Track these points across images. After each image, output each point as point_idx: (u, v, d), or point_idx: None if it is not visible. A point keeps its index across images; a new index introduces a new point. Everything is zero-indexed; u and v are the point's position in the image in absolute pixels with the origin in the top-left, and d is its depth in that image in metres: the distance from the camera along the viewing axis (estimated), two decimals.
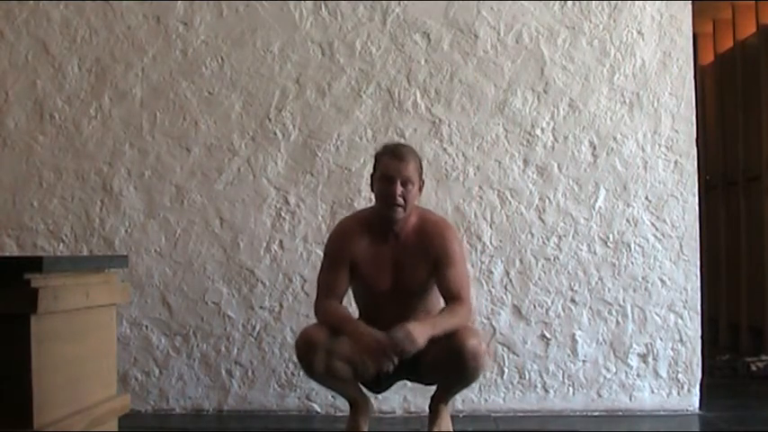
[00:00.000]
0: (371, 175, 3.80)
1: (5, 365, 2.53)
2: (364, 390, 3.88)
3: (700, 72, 6.42)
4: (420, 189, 3.77)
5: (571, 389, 4.58)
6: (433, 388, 3.84)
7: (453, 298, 3.67)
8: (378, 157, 3.78)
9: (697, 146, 4.68)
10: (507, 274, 4.60)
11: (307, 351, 3.65)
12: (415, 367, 3.77)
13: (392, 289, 3.76)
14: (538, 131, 4.63)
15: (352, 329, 3.62)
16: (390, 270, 3.76)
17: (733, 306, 6.72)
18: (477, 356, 3.60)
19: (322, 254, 3.91)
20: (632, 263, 4.60)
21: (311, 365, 3.66)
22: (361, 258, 3.75)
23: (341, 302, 3.79)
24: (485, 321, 4.58)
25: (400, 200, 3.66)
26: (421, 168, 3.75)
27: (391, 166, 3.68)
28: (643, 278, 4.60)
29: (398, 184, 3.66)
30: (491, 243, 4.61)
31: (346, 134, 4.66)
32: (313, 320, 3.81)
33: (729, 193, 6.87)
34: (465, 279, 3.78)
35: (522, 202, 4.62)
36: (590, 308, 4.59)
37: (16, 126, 4.73)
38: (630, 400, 4.58)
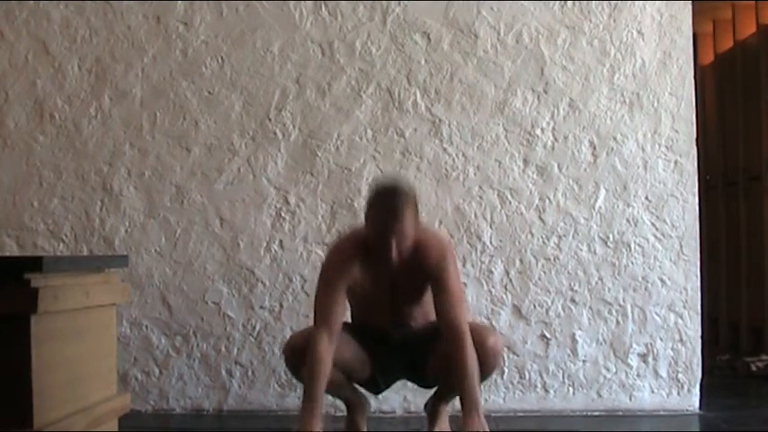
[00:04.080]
0: (365, 215, 3.60)
1: (5, 365, 2.54)
2: (363, 390, 3.89)
3: (700, 72, 6.41)
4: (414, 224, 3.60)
5: (571, 389, 4.58)
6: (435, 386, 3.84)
7: (451, 327, 3.54)
8: (370, 207, 3.56)
9: (697, 146, 4.68)
10: (507, 274, 4.60)
11: (293, 361, 3.65)
12: (416, 368, 3.76)
13: (390, 309, 3.73)
14: (538, 131, 4.63)
15: (305, 403, 3.50)
16: (388, 290, 3.69)
17: (733, 306, 6.72)
18: (498, 354, 3.63)
19: (319, 271, 3.75)
20: (632, 263, 4.60)
21: (298, 373, 3.65)
22: (359, 281, 3.65)
23: (335, 331, 3.58)
24: (485, 321, 4.58)
25: (396, 248, 3.52)
26: (416, 208, 3.57)
27: (387, 226, 3.49)
28: (643, 278, 4.60)
29: (394, 238, 3.49)
30: (491, 243, 4.61)
31: (346, 134, 4.66)
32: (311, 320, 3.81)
33: (729, 193, 6.86)
34: (462, 304, 3.62)
35: (522, 202, 4.62)
36: (590, 308, 4.59)
37: (16, 126, 4.73)
38: (630, 400, 4.58)
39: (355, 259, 3.62)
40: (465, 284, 4.54)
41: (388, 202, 3.52)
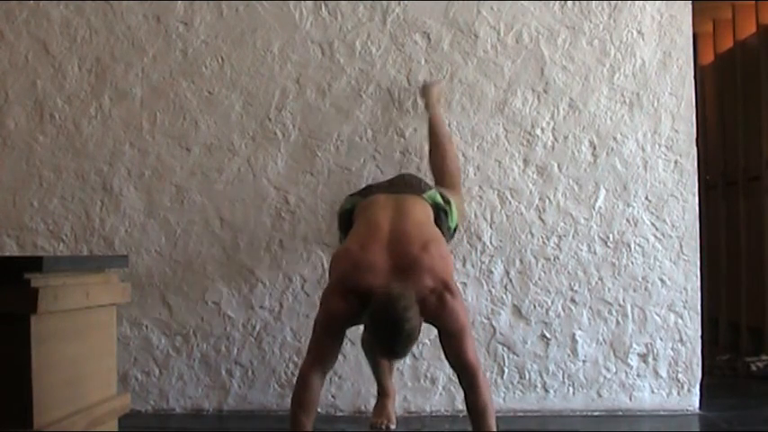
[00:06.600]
0: (367, 327, 3.49)
1: (5, 365, 2.54)
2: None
3: (700, 72, 6.41)
4: None
5: (571, 389, 4.58)
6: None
7: (459, 367, 3.54)
8: (373, 337, 3.47)
9: (697, 146, 4.68)
10: (507, 274, 4.60)
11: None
12: None
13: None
14: (538, 131, 4.63)
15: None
16: None
17: (733, 306, 6.72)
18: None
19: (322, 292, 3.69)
20: (632, 263, 4.60)
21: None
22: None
23: (327, 371, 3.62)
24: (485, 321, 4.58)
25: None
26: (418, 328, 3.44)
27: (389, 356, 3.65)
28: (643, 278, 4.60)
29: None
30: (491, 243, 4.61)
31: (346, 134, 4.66)
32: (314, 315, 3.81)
33: (729, 193, 6.86)
34: (467, 339, 3.54)
35: (522, 202, 4.62)
36: (590, 308, 4.59)
37: (16, 126, 4.73)
38: (630, 400, 4.58)
39: (354, 299, 3.51)
40: (465, 284, 4.55)
41: (393, 350, 3.48)
